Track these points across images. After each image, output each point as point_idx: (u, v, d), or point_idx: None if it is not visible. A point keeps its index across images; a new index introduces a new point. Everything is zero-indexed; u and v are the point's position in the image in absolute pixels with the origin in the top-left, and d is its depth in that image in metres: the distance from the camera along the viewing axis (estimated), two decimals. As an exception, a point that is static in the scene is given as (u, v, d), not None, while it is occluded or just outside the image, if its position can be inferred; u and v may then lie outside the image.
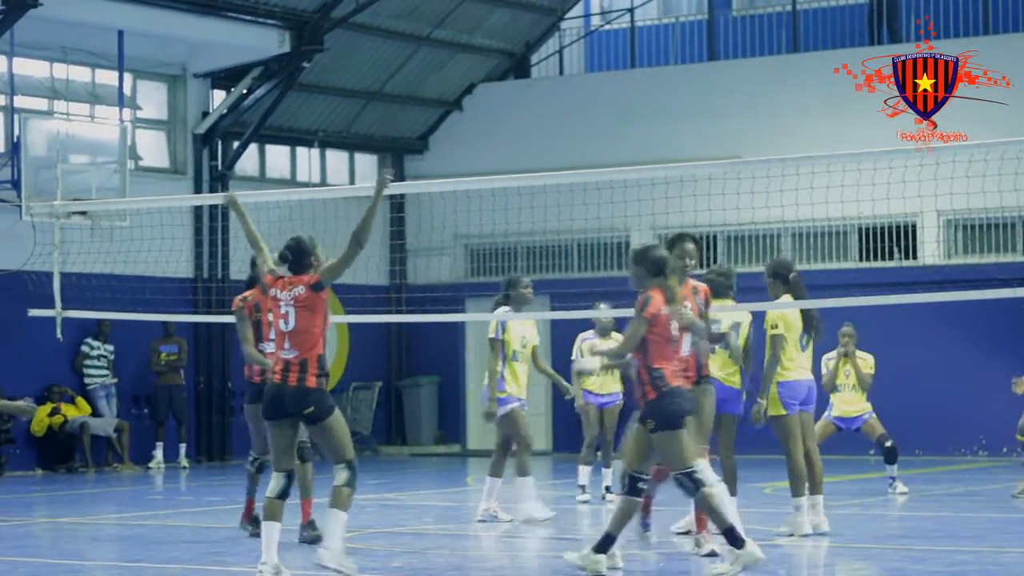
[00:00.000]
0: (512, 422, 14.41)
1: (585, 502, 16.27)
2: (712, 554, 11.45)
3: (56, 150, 21.05)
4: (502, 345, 14.55)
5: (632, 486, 10.57)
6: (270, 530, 10.37)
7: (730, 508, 10.94)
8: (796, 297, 12.94)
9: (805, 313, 12.96)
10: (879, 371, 17.64)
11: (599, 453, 16.80)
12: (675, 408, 10.46)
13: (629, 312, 13.85)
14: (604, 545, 10.58)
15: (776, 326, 12.82)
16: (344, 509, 10.41)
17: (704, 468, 10.66)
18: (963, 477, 20.33)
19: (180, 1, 22.81)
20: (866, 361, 17.33)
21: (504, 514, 14.47)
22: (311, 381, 10.43)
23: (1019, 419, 17.13)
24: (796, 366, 12.87)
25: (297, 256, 10.69)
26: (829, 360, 17.28)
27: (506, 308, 14.57)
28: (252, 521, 12.99)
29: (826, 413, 17.07)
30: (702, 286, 11.89)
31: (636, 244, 11.10)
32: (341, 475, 10.46)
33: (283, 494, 10.46)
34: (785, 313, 12.87)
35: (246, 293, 12.56)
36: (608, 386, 16.62)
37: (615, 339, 15.66)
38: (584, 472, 16.44)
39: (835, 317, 17.12)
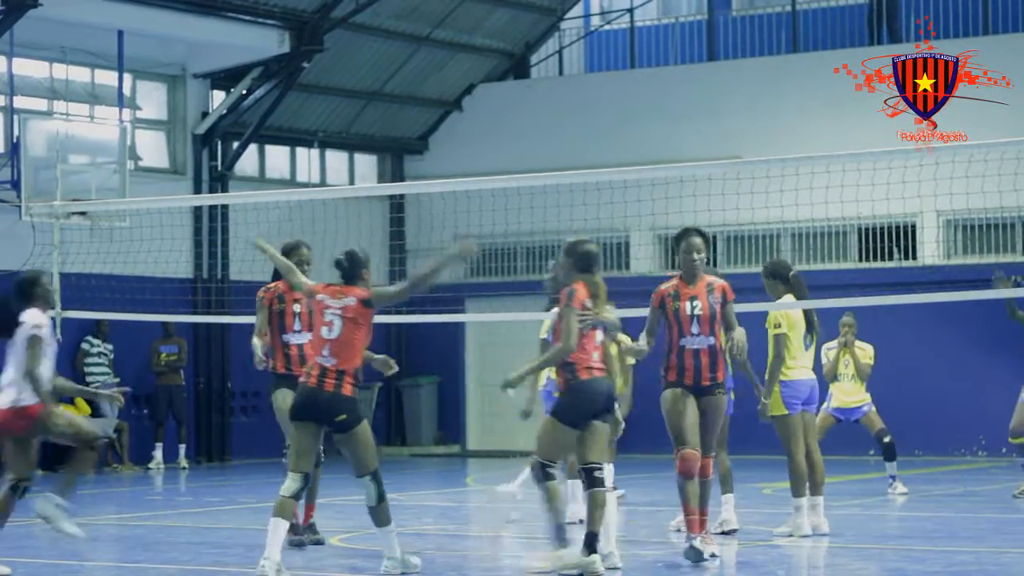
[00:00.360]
0: None
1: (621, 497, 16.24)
2: (712, 556, 11.42)
3: (56, 150, 21.04)
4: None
5: (589, 478, 10.62)
6: (277, 527, 10.42)
7: (570, 507, 11.00)
8: (798, 295, 12.92)
9: (807, 312, 12.94)
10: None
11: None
12: (577, 407, 10.60)
13: (632, 312, 13.90)
14: (590, 544, 10.54)
15: (779, 325, 12.77)
16: (389, 522, 10.69)
17: (560, 470, 10.77)
18: (963, 477, 20.33)
19: (180, 1, 22.80)
20: (865, 351, 17.30)
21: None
22: (347, 389, 10.52)
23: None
24: (799, 365, 12.82)
25: (352, 266, 10.77)
26: (829, 350, 17.23)
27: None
28: (309, 527, 12.68)
29: (825, 405, 16.94)
30: (719, 282, 11.52)
31: (572, 238, 11.09)
32: (371, 492, 10.64)
33: (297, 495, 10.57)
34: (788, 312, 12.84)
35: (270, 284, 12.51)
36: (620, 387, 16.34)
37: (621, 340, 15.60)
38: (608, 471, 16.31)
39: (835, 317, 17.13)
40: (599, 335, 10.80)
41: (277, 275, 12.42)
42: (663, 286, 11.59)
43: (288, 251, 12.45)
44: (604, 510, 10.63)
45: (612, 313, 10.90)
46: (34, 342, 10.99)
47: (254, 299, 12.72)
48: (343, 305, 10.61)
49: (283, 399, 12.08)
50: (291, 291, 12.21)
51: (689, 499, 11.20)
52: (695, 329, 11.36)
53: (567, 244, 10.96)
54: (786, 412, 12.73)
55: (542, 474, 10.60)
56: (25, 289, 11.24)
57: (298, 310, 12.30)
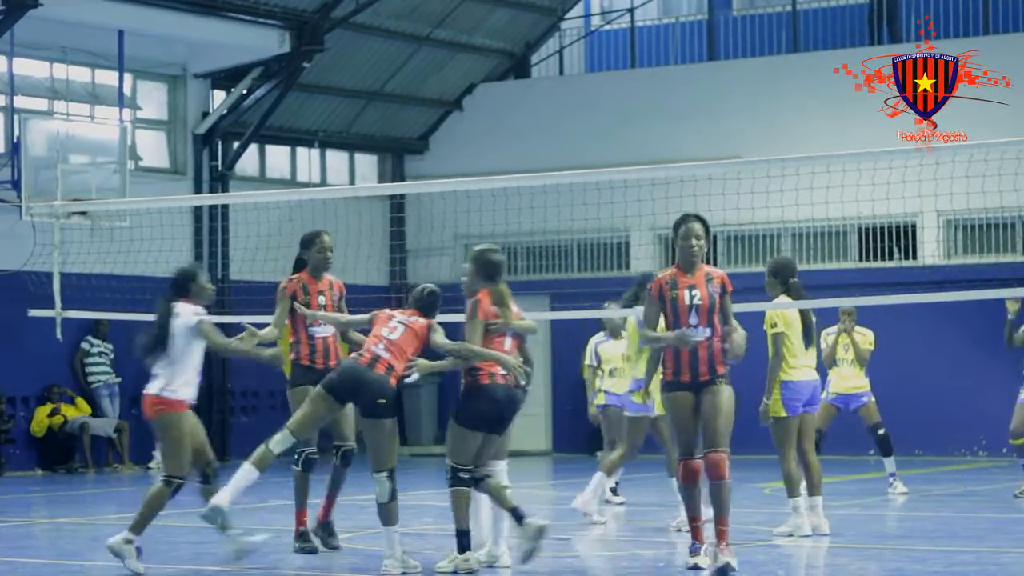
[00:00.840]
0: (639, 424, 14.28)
1: (621, 503, 16.20)
2: (732, 570, 11.20)
3: (56, 150, 21.05)
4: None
5: (455, 477, 10.83)
6: (248, 474, 10.69)
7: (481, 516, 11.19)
8: (794, 299, 12.89)
9: (805, 316, 12.91)
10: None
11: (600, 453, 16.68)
12: (475, 411, 10.81)
13: (630, 312, 13.88)
14: (464, 542, 10.83)
15: (775, 324, 12.75)
16: (396, 523, 10.82)
17: (473, 473, 10.91)
18: (963, 477, 20.33)
19: (180, 1, 22.81)
20: (865, 337, 17.22)
21: (599, 516, 14.46)
22: (393, 380, 10.83)
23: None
24: (801, 365, 12.76)
25: (430, 302, 11.18)
26: (829, 335, 17.13)
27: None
28: (309, 532, 12.43)
29: (823, 394, 16.58)
30: (718, 273, 11.03)
31: (480, 245, 11.21)
32: (384, 489, 10.76)
33: (283, 454, 10.82)
34: (784, 311, 12.82)
35: (293, 275, 12.47)
36: (624, 388, 16.22)
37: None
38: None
39: (835, 317, 17.12)
40: (508, 342, 10.95)
41: (297, 267, 12.41)
42: (660, 275, 11.09)
43: (309, 241, 12.41)
44: (506, 492, 10.84)
45: (525, 319, 11.07)
46: (203, 326, 11.11)
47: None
48: (412, 320, 11.03)
49: (302, 391, 11.98)
50: (315, 283, 12.23)
51: (691, 507, 11.05)
52: (693, 320, 10.81)
53: (473, 252, 11.11)
54: (784, 415, 12.68)
55: (451, 478, 10.82)
56: (181, 284, 11.44)
57: (323, 302, 12.24)
